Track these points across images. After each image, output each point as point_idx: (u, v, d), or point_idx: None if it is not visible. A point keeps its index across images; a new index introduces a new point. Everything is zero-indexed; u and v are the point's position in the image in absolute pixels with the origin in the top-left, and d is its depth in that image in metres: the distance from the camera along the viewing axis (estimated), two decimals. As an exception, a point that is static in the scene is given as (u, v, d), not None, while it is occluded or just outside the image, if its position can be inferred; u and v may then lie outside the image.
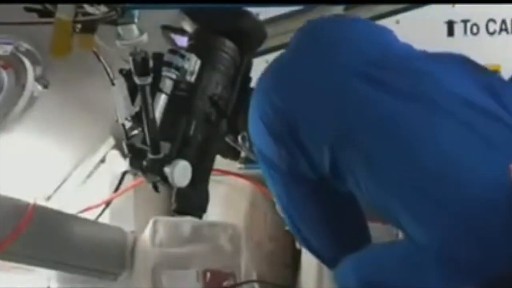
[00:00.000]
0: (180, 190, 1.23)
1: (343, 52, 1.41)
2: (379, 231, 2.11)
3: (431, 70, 1.40)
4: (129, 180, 2.13)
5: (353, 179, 1.43)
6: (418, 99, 1.37)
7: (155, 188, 1.23)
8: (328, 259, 1.71)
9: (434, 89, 1.38)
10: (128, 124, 1.24)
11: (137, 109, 1.18)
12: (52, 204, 2.04)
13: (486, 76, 1.44)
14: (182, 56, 1.21)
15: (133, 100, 1.19)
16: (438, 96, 1.36)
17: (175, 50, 1.22)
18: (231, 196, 2.29)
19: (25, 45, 1.56)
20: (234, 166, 2.26)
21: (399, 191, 1.36)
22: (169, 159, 1.18)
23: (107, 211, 2.11)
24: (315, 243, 1.72)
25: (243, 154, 2.26)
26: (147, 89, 1.12)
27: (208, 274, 1.99)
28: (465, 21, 2.17)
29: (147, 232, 2.03)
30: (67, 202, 2.08)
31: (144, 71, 1.10)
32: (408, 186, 1.35)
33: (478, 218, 1.29)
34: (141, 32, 1.24)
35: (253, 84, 1.54)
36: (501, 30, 2.15)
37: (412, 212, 1.34)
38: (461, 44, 2.15)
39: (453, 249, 1.31)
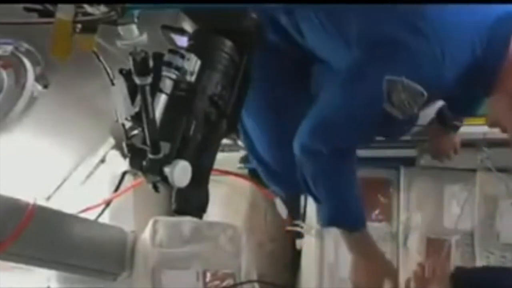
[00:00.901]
0: (180, 190, 1.22)
1: None
2: (379, 231, 2.12)
3: None
4: (129, 180, 2.13)
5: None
6: None
7: (155, 188, 1.22)
8: (290, 182, 1.73)
9: None
10: (128, 124, 1.23)
11: (137, 109, 1.17)
12: (52, 204, 2.04)
13: None
14: (182, 56, 1.20)
15: (133, 100, 1.18)
16: None
17: (175, 50, 1.22)
18: (231, 196, 2.30)
19: (25, 45, 1.56)
20: (234, 166, 2.26)
21: None
22: (169, 159, 1.18)
23: (107, 211, 2.11)
24: (273, 162, 1.77)
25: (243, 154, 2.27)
26: (147, 89, 1.11)
27: (208, 274, 1.99)
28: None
29: (147, 232, 2.03)
30: (67, 202, 2.08)
31: (144, 71, 1.10)
32: None
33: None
34: (141, 32, 1.24)
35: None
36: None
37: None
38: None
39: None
